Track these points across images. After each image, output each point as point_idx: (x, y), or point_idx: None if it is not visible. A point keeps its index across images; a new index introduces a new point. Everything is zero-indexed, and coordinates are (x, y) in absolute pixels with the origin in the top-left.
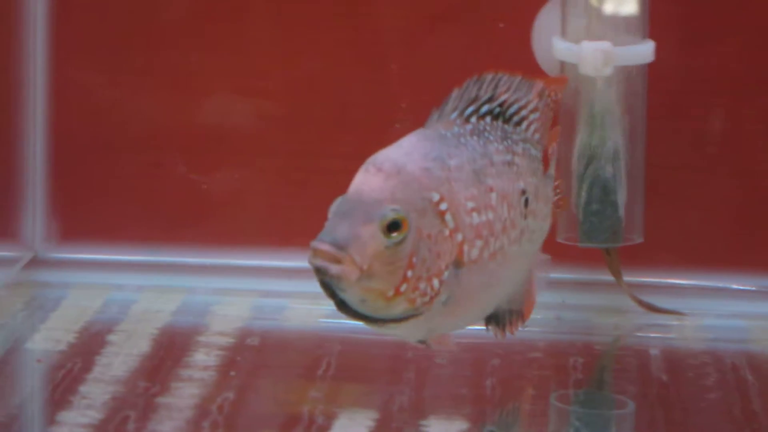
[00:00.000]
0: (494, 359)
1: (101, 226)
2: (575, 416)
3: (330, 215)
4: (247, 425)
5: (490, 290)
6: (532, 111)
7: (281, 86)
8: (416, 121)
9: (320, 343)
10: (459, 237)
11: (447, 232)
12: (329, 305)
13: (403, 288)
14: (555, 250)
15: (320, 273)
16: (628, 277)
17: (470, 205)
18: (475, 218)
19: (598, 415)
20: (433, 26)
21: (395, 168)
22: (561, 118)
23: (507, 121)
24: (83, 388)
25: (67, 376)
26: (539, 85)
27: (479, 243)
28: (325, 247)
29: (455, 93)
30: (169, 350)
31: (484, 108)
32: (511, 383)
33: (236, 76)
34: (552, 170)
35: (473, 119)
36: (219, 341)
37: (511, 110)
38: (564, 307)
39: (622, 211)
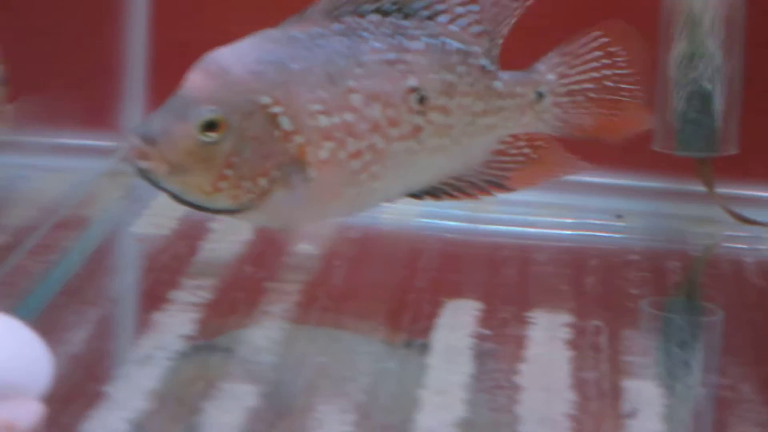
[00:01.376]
0: (592, 260)
1: None
2: (666, 320)
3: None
4: (356, 309)
5: (364, 184)
6: (460, 4)
7: None
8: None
9: (420, 238)
10: (299, 139)
11: (279, 134)
12: (426, 205)
13: (221, 185)
14: (651, 158)
15: (134, 167)
16: (721, 189)
17: (316, 107)
18: (324, 120)
19: (689, 320)
20: None
21: (220, 70)
22: (661, 28)
23: (407, 16)
24: (191, 270)
25: (173, 259)
26: None
27: (329, 144)
28: (134, 140)
29: None
30: (272, 240)
31: (367, 7)
32: (611, 282)
33: None
34: (541, 63)
35: (348, 18)
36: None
37: (416, 5)
38: (658, 215)
39: (718, 122)
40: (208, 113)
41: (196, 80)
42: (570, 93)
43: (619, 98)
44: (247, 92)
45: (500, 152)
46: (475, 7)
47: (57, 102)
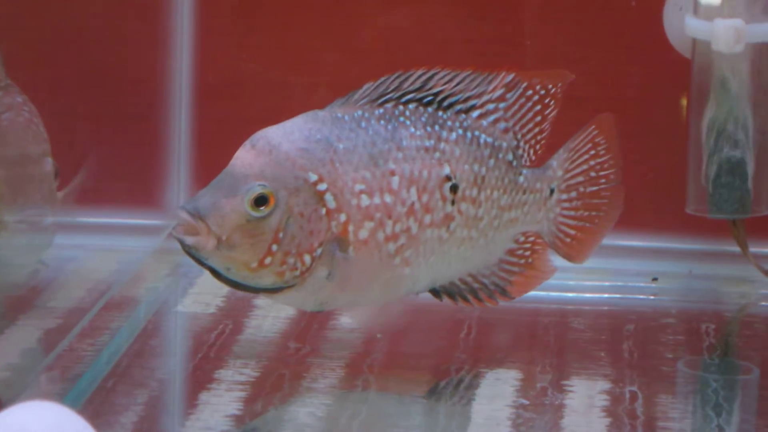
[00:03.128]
0: (629, 324)
1: None
2: (702, 381)
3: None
4: (398, 383)
5: (396, 269)
6: (491, 101)
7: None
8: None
9: (459, 308)
10: (342, 217)
11: (324, 212)
12: None
13: (267, 261)
14: (684, 220)
15: (180, 244)
16: (754, 248)
17: (359, 187)
18: (365, 200)
19: (724, 381)
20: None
21: (268, 147)
22: (692, 93)
23: (444, 109)
24: (236, 348)
25: (219, 337)
26: (507, 76)
27: (369, 225)
28: (183, 215)
29: (369, 85)
30: (314, 314)
31: (409, 96)
32: (646, 346)
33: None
34: (554, 159)
35: (389, 105)
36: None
37: (453, 99)
38: (692, 277)
39: (750, 184)
40: (257, 188)
41: (245, 157)
42: (568, 188)
43: (598, 187)
44: (295, 169)
45: (511, 252)
46: (503, 105)
47: (103, 183)
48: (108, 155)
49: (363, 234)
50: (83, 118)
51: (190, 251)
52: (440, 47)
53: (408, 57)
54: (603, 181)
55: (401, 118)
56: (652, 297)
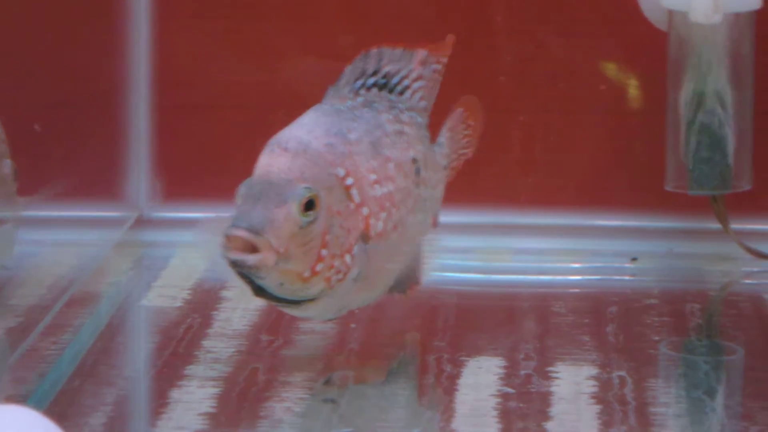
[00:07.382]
0: (611, 307)
1: (205, 185)
2: (691, 364)
3: (239, 200)
4: (377, 374)
5: (393, 261)
6: (415, 80)
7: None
8: (523, 71)
9: (434, 295)
10: (365, 211)
11: (353, 207)
12: (440, 259)
13: (318, 267)
14: (663, 198)
15: (237, 266)
16: (736, 225)
17: (372, 177)
18: (378, 190)
19: (714, 363)
20: None
21: (301, 146)
22: (669, 67)
23: (391, 90)
24: (206, 343)
25: (188, 331)
26: (422, 53)
27: (383, 215)
28: (241, 233)
29: (348, 69)
30: None
31: (370, 80)
32: (631, 329)
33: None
34: (442, 137)
35: (362, 92)
36: None
37: (394, 80)
38: (672, 256)
39: (730, 159)
40: (305, 192)
41: (279, 160)
42: (448, 166)
43: (455, 163)
44: (327, 165)
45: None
46: (422, 83)
47: (61, 175)
48: (66, 147)
49: (379, 226)
50: (40, 111)
51: (248, 272)
52: (404, 21)
53: (367, 35)
54: (455, 160)
55: (374, 104)
56: (631, 277)
